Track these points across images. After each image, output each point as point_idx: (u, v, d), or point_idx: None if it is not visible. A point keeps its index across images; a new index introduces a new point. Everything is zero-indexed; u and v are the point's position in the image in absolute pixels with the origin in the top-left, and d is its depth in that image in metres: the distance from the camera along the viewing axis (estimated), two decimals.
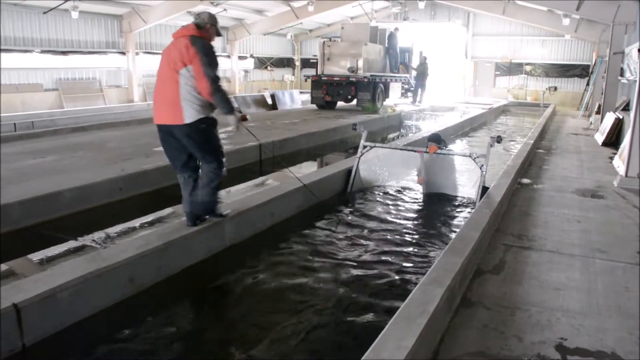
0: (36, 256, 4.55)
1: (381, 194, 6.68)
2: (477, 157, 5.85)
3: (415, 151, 6.50)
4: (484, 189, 5.66)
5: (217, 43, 20.43)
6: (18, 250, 4.58)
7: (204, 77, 3.81)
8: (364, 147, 6.64)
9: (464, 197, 6.47)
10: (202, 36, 3.96)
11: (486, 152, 5.89)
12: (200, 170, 4.23)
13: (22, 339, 2.96)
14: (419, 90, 18.99)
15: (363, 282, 4.06)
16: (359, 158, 6.68)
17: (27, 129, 11.98)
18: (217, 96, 3.89)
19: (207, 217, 4.41)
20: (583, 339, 2.79)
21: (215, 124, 4.10)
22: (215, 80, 3.84)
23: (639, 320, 3.01)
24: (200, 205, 4.26)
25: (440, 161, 6.58)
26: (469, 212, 5.68)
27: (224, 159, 4.20)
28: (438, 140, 6.72)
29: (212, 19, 4.08)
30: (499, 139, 5.82)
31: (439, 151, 6.23)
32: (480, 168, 5.77)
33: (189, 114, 3.88)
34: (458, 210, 6.13)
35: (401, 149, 6.81)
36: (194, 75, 3.83)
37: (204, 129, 3.99)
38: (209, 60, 3.83)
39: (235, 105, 4.11)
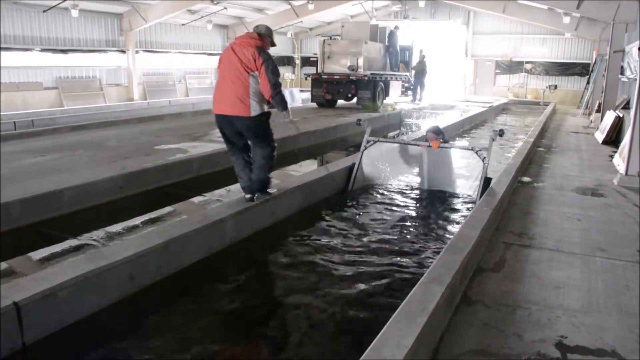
0: (37, 255, 4.55)
1: (383, 191, 6.69)
2: (480, 151, 5.92)
3: (418, 145, 6.57)
4: (487, 180, 5.70)
5: (217, 41, 20.27)
6: (19, 249, 4.59)
7: (267, 83, 4.62)
8: (368, 141, 6.69)
9: (465, 194, 6.49)
10: (263, 46, 4.70)
11: (488, 146, 5.95)
12: (252, 154, 4.97)
13: (22, 337, 2.96)
14: (418, 88, 18.99)
15: (363, 280, 4.06)
16: (362, 152, 6.72)
17: (27, 127, 11.98)
18: (277, 98, 4.72)
19: (257, 195, 5.07)
20: (583, 337, 2.79)
21: (269, 116, 4.88)
22: (276, 85, 4.65)
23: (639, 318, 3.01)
24: (256, 183, 5.00)
25: (443, 156, 6.64)
26: (470, 207, 5.68)
27: (275, 145, 4.98)
28: (438, 132, 6.78)
29: (268, 30, 4.85)
30: (501, 133, 5.90)
31: (442, 145, 6.30)
32: (483, 160, 5.82)
33: (255, 109, 4.68)
34: (459, 206, 6.14)
35: (405, 143, 6.87)
36: (258, 80, 4.65)
37: (264, 122, 4.82)
38: (272, 69, 4.63)
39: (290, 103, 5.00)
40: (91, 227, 5.14)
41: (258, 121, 4.74)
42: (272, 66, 4.63)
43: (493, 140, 5.99)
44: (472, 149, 6.11)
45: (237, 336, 3.33)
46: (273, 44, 4.90)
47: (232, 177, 5.24)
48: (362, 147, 6.69)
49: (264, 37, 4.75)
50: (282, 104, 4.80)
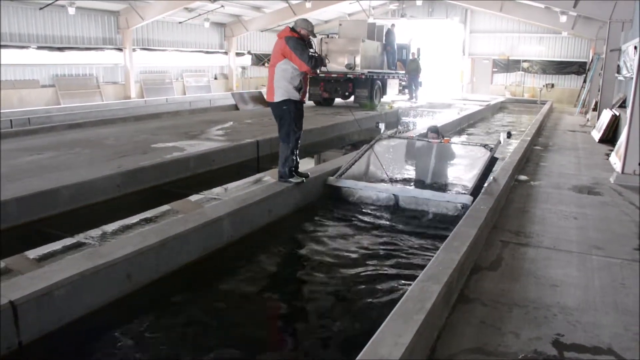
0: (33, 253, 4.54)
1: (386, 186, 6.70)
2: (487, 144, 6.28)
3: (430, 141, 6.73)
4: (493, 160, 5.95)
5: (214, 40, 20.13)
6: (15, 247, 4.57)
7: (302, 62, 5.17)
8: (380, 135, 6.95)
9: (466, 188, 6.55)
10: (295, 36, 5.21)
11: (495, 146, 6.20)
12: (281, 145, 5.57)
13: (18, 336, 2.95)
14: (413, 86, 18.97)
15: (360, 279, 4.06)
16: (375, 142, 6.92)
17: (23, 125, 11.92)
18: (316, 66, 5.26)
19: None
20: (580, 335, 2.80)
21: (295, 107, 5.36)
22: (309, 60, 5.17)
23: (639, 316, 3.02)
24: (280, 172, 5.67)
25: (449, 156, 6.89)
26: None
27: (291, 145, 5.49)
28: (436, 132, 6.90)
29: (303, 23, 5.36)
30: (508, 135, 6.11)
31: (452, 142, 6.63)
32: (490, 151, 6.08)
33: (279, 95, 5.29)
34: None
35: (416, 139, 7.06)
36: (294, 66, 5.20)
37: (285, 109, 5.36)
38: (300, 50, 5.16)
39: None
40: (88, 225, 5.13)
41: (280, 107, 5.35)
42: (300, 49, 5.13)
43: (500, 143, 6.20)
44: (480, 145, 6.40)
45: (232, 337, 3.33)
46: (313, 35, 5.43)
47: (228, 175, 5.24)
48: (375, 139, 6.94)
49: (297, 29, 5.27)
50: (320, 63, 5.36)
